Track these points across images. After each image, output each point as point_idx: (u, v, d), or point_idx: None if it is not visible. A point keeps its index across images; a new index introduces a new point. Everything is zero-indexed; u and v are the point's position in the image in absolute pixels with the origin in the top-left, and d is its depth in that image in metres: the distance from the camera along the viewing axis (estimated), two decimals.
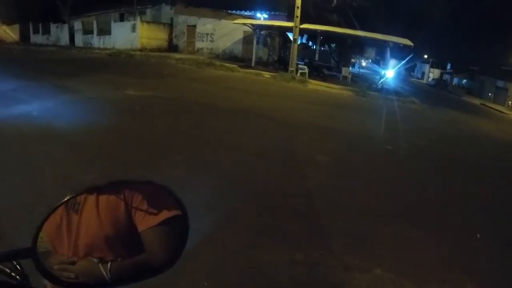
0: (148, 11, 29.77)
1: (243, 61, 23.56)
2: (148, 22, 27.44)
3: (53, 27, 31.31)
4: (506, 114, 26.64)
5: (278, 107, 10.22)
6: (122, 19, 30.89)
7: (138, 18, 27.33)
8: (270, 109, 9.52)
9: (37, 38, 31.78)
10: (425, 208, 4.41)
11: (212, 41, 26.54)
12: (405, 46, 19.79)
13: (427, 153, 7.54)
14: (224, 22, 25.72)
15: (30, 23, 31.80)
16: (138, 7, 29.89)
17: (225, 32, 26.00)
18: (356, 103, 14.55)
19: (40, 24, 31.66)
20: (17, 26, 31.20)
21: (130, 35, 26.52)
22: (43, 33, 31.84)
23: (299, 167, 5.19)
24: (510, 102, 31.26)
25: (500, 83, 35.18)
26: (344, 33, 20.44)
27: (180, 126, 6.70)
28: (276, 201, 3.94)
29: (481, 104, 31.67)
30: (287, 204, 3.87)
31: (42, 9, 29.47)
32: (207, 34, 26.64)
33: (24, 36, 31.35)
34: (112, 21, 28.99)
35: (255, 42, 22.90)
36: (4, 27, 28.77)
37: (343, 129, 8.59)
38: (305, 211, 3.76)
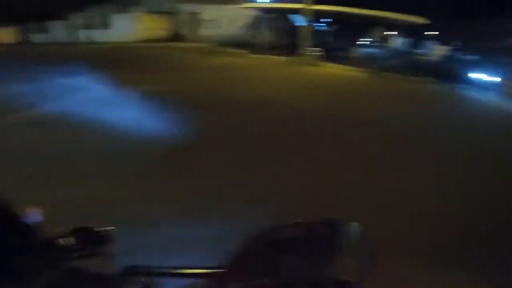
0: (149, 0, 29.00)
1: (251, 46, 22.87)
2: (149, 12, 26.68)
3: (51, 25, 30.64)
4: None
5: (298, 95, 9.64)
6: (121, 11, 30.21)
7: (138, 9, 26.56)
8: (289, 98, 8.95)
9: (37, 38, 30.85)
10: None
11: (217, 27, 25.80)
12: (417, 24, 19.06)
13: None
14: (228, 7, 24.91)
15: (28, 23, 30.94)
16: None
17: (230, 17, 25.25)
18: (377, 87, 13.91)
19: (38, 23, 30.86)
20: (13, 28, 30.33)
21: (131, 27, 25.92)
22: (42, 32, 30.99)
23: None
24: None
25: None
26: (356, 13, 19.70)
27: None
28: None
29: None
30: None
31: (38, 8, 28.66)
32: (212, 20, 25.89)
33: (25, 37, 30.54)
34: (112, 14, 28.29)
35: (262, 26, 22.20)
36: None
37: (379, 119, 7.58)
38: None
